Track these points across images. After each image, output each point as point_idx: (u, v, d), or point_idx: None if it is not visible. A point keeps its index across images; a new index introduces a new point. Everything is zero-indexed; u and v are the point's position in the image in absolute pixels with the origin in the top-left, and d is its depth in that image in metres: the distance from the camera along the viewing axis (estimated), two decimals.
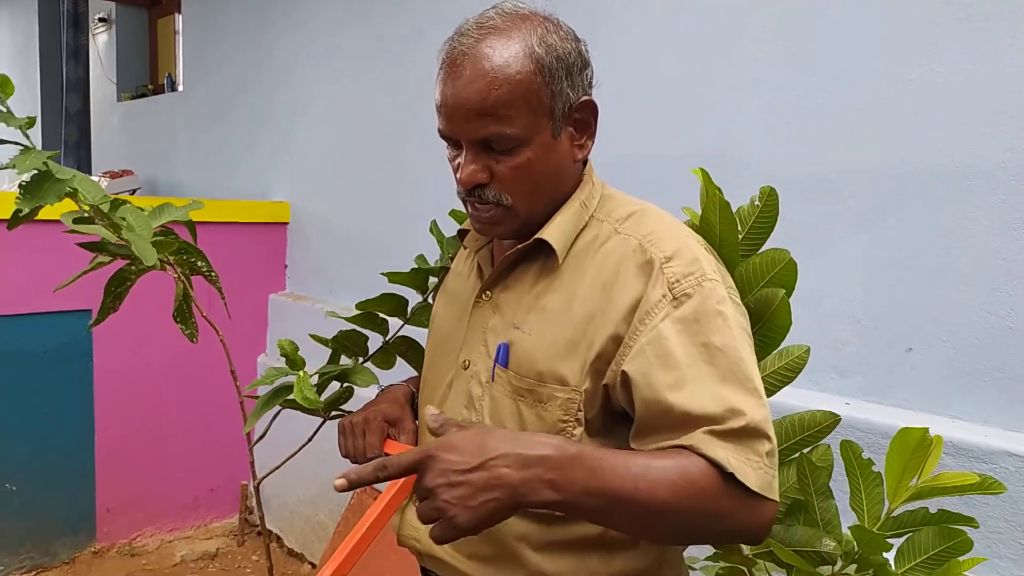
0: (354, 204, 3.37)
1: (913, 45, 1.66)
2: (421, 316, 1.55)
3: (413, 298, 1.55)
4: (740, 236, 1.06)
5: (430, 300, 1.53)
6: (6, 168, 1.27)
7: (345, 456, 1.16)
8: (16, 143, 1.29)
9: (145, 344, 3.28)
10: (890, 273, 1.71)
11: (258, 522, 3.55)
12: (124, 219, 1.37)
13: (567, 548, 0.98)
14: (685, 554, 1.11)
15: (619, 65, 2.22)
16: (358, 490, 2.97)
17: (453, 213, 1.60)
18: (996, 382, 1.56)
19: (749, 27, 1.95)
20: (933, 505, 0.94)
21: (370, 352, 1.55)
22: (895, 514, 0.94)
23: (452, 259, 1.62)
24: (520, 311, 1.02)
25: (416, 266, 1.49)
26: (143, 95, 5.63)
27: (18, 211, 1.27)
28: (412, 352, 1.54)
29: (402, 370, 1.54)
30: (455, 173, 1.00)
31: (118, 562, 3.34)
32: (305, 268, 3.68)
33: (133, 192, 4.70)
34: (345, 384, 1.45)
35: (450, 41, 0.98)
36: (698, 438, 0.84)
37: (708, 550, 1.15)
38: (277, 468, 1.65)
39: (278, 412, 1.47)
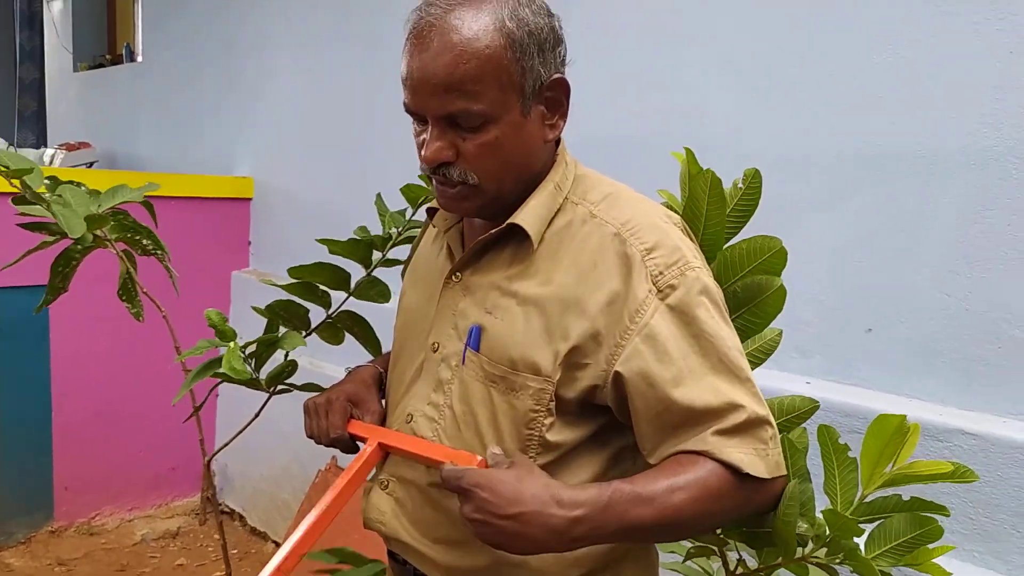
0: (320, 179, 3.32)
1: (880, 30, 1.67)
2: (369, 291, 1.53)
3: (357, 272, 1.54)
4: (728, 210, 1.06)
5: (383, 277, 1.52)
6: None
7: (310, 436, 1.14)
8: None
9: (104, 320, 3.21)
10: (852, 255, 1.73)
11: (221, 501, 3.52)
12: (61, 196, 1.34)
13: None
14: None
15: (589, 45, 2.20)
16: (321, 468, 2.96)
17: (406, 188, 1.58)
18: (953, 363, 1.59)
19: (719, 8, 1.94)
20: (907, 492, 0.95)
21: (312, 325, 1.53)
22: (868, 500, 0.96)
23: (400, 230, 1.60)
24: (492, 295, 1.00)
25: (355, 236, 1.46)
26: (100, 65, 5.47)
27: None
28: (359, 327, 1.53)
29: (355, 347, 1.53)
30: (419, 149, 0.97)
31: (76, 541, 3.28)
32: (269, 245, 3.63)
33: (90, 165, 4.58)
34: (289, 358, 1.44)
35: (418, 11, 0.94)
36: (711, 443, 0.89)
37: None
38: (226, 445, 1.64)
39: (217, 384, 1.44)
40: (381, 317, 1.53)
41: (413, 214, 1.60)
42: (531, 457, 0.96)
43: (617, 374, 0.92)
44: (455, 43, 0.90)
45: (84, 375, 3.28)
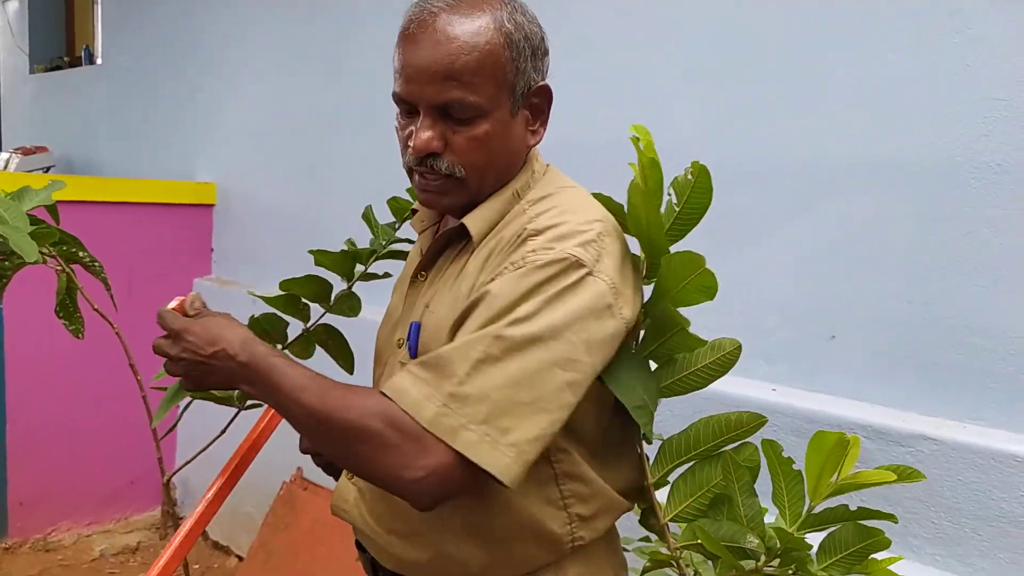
0: (285, 185, 3.28)
1: (841, 42, 1.70)
2: (343, 305, 1.51)
3: (338, 285, 1.51)
4: (678, 209, 1.00)
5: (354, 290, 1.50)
6: None
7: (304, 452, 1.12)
8: None
9: (60, 330, 3.13)
10: (815, 263, 1.76)
11: (182, 515, 3.45)
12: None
13: (470, 533, 0.98)
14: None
15: (555, 51, 2.21)
16: (286, 480, 2.92)
17: (393, 201, 1.56)
18: (914, 369, 1.62)
19: (686, 20, 1.96)
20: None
21: (289, 339, 1.51)
22: (816, 511, 0.96)
23: (385, 244, 1.59)
24: (437, 292, 1.03)
25: (345, 248, 1.45)
26: (58, 67, 5.36)
27: None
28: (334, 341, 1.51)
29: (325, 360, 1.51)
30: (405, 142, 0.98)
31: (32, 558, 3.19)
32: (233, 252, 3.57)
33: (47, 170, 4.48)
34: None
35: (417, 4, 0.96)
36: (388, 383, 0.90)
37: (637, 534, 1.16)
38: (189, 462, 1.60)
39: (188, 403, 1.41)
40: (351, 331, 1.52)
41: (399, 227, 1.58)
42: None
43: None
44: (457, 35, 0.92)
45: (40, 386, 3.19)
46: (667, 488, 1.05)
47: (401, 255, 1.51)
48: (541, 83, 1.01)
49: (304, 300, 1.48)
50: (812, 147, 1.75)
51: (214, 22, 3.63)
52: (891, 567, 0.97)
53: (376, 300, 1.49)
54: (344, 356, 1.52)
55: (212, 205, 3.62)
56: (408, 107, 0.98)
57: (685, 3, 1.96)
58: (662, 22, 2.00)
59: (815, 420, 1.63)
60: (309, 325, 1.51)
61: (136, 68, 4.23)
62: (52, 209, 1.48)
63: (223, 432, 1.53)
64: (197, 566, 3.12)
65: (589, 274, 0.89)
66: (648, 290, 1.01)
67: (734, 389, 1.75)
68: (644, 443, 1.04)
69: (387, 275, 1.47)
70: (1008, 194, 1.50)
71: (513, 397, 0.84)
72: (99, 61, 4.89)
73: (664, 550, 1.04)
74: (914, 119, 1.60)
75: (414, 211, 1.18)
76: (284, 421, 0.96)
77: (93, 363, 3.24)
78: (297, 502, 2.87)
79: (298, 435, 1.05)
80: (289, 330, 1.50)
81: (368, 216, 1.61)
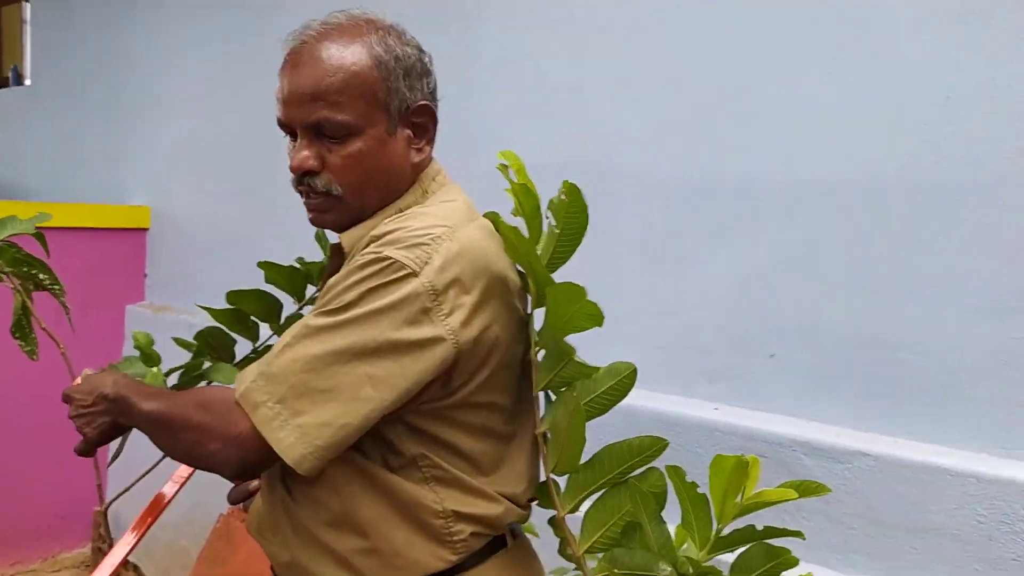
0: (222, 207, 3.21)
1: (786, 62, 1.74)
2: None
3: (288, 307, 1.48)
4: (558, 231, 0.99)
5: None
6: None
7: (233, 503, 1.22)
8: None
9: None
10: (754, 282, 1.79)
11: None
12: None
13: (341, 526, 1.00)
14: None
15: (502, 72, 2.23)
16: (223, 514, 2.82)
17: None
18: (851, 386, 1.65)
19: (626, 38, 2.00)
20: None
21: (237, 359, 1.47)
22: (724, 533, 0.97)
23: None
24: None
25: (295, 265, 1.43)
26: None
27: None
28: None
29: None
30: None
31: None
32: (168, 277, 3.47)
33: None
34: None
35: (294, 35, 1.03)
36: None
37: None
38: (125, 491, 1.54)
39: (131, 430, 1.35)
40: None
41: None
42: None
43: None
44: (324, 59, 0.99)
45: None
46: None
47: None
48: (421, 102, 1.04)
49: (252, 318, 1.45)
50: (750, 167, 1.78)
51: (147, 43, 3.55)
52: None
53: None
54: None
55: (146, 229, 3.52)
56: (288, 131, 1.03)
57: (621, 26, 1.99)
58: (600, 46, 2.03)
59: (755, 438, 1.66)
60: (258, 345, 1.47)
61: (67, 89, 4.11)
62: (40, 237, 1.56)
63: (160, 460, 1.48)
64: None
65: (408, 276, 0.91)
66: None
67: (676, 408, 1.76)
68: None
69: None
70: (938, 214, 1.55)
71: (309, 382, 0.90)
72: (28, 81, 4.74)
73: None
74: (848, 140, 1.65)
75: None
76: None
77: (17, 392, 3.10)
78: (234, 535, 2.77)
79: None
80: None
81: (320, 237, 1.61)
